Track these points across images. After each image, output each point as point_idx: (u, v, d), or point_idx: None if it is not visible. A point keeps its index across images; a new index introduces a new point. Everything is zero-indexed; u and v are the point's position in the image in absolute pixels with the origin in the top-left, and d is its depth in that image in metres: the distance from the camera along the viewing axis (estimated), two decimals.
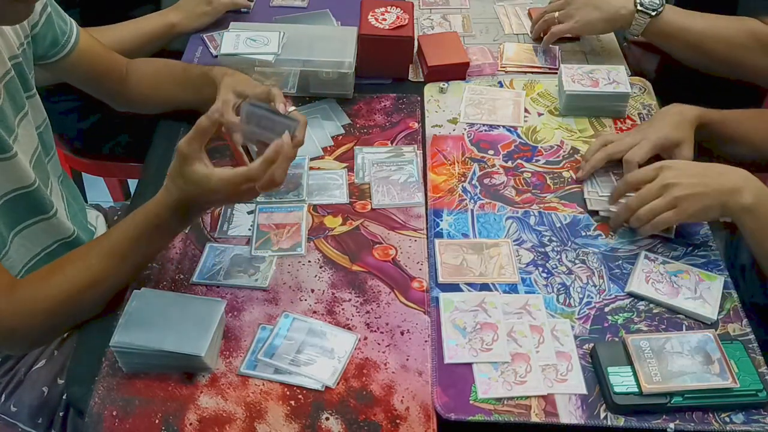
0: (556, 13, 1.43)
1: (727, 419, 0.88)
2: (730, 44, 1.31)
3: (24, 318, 0.91)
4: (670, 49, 1.38)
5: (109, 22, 1.42)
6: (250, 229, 1.10)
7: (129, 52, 1.31)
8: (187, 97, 1.25)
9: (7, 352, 1.08)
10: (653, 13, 1.32)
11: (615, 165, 1.16)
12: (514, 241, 1.09)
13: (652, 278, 1.03)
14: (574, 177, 1.20)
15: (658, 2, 1.32)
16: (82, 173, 1.87)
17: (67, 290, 0.93)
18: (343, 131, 1.29)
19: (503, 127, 1.30)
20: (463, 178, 1.20)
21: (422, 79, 1.41)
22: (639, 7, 1.32)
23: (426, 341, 0.96)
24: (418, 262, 1.06)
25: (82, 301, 0.95)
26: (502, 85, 1.38)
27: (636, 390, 0.88)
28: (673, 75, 1.49)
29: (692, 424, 0.88)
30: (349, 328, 0.98)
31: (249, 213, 1.13)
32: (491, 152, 1.25)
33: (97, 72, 1.20)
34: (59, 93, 1.54)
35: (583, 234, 1.11)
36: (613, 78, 1.31)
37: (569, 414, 0.89)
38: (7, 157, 0.95)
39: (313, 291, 1.02)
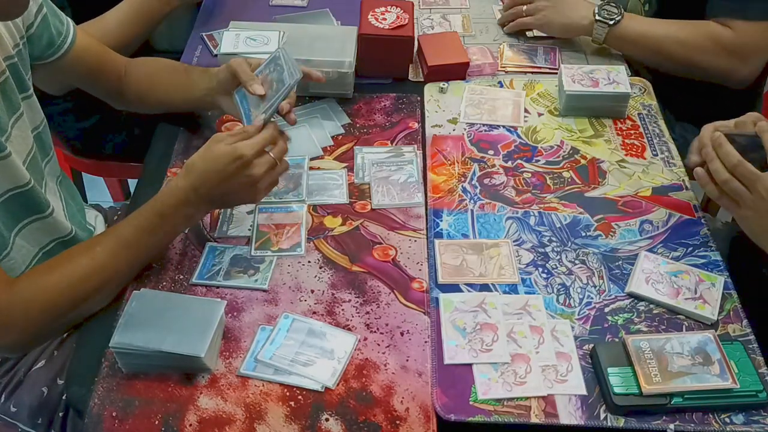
0: (524, 7, 1.48)
1: (727, 420, 0.88)
2: (687, 47, 1.40)
3: (24, 311, 0.91)
4: (630, 54, 1.47)
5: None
6: (249, 230, 1.10)
7: (130, 33, 1.31)
8: (185, 97, 1.24)
9: (8, 353, 1.07)
10: (611, 23, 1.41)
11: None
12: (514, 241, 1.09)
13: (652, 279, 1.03)
14: (574, 177, 1.20)
15: (616, 12, 1.41)
16: (82, 173, 1.87)
17: (71, 278, 0.94)
18: (343, 131, 1.29)
19: (503, 127, 1.30)
20: (463, 179, 1.20)
21: (422, 79, 1.41)
22: (597, 17, 1.41)
23: (426, 342, 0.96)
24: (417, 263, 1.06)
25: (85, 291, 0.95)
26: (502, 85, 1.38)
27: (636, 390, 0.88)
28: (673, 75, 1.49)
29: (692, 424, 0.88)
30: (349, 329, 0.98)
31: (249, 213, 1.13)
32: (491, 152, 1.25)
33: (95, 71, 1.20)
34: None
35: (583, 234, 1.11)
36: (613, 78, 1.31)
37: (569, 415, 0.89)
38: (1, 157, 0.95)
39: (312, 291, 1.02)
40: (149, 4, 1.43)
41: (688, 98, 1.54)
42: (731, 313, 1.00)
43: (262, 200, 1.13)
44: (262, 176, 0.99)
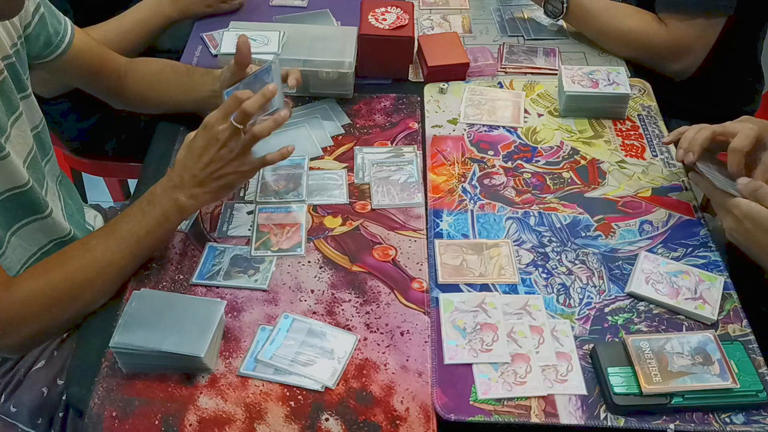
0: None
1: (728, 420, 0.88)
2: (629, 34, 1.43)
3: (23, 309, 0.92)
4: (580, 30, 1.51)
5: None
6: (249, 230, 1.10)
7: (129, 43, 1.31)
8: (187, 98, 1.25)
9: (8, 353, 1.07)
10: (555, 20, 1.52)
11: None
12: (514, 241, 1.09)
13: (652, 279, 1.03)
14: (574, 178, 1.20)
15: (559, 8, 1.47)
16: (83, 173, 1.87)
17: (67, 272, 0.94)
18: (343, 131, 1.29)
19: (503, 127, 1.30)
20: (462, 179, 1.20)
21: (422, 80, 1.41)
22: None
23: (426, 342, 0.96)
24: (417, 263, 1.06)
25: (82, 285, 0.96)
26: (502, 86, 1.38)
27: (636, 390, 0.88)
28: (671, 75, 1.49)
29: (692, 424, 0.88)
30: (349, 329, 0.98)
31: (249, 213, 1.13)
32: (491, 153, 1.25)
33: (94, 71, 1.20)
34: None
35: (583, 234, 1.11)
36: (613, 79, 1.31)
37: (569, 414, 0.89)
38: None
39: (312, 291, 1.02)
40: (150, 16, 1.45)
41: (690, 99, 1.54)
42: (731, 313, 1.00)
43: (262, 200, 1.14)
44: (228, 139, 0.97)
